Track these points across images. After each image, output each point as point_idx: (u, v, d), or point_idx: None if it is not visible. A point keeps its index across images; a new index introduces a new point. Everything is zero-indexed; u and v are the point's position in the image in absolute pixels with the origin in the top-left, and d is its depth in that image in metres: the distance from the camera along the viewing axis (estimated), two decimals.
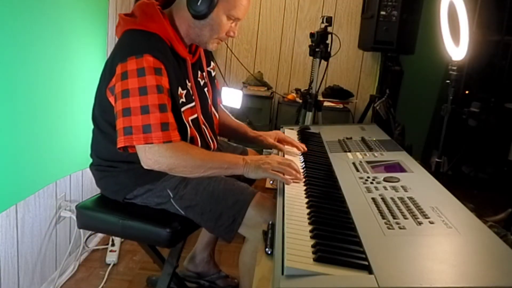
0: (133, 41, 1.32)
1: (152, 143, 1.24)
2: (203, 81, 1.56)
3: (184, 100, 1.40)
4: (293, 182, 1.28)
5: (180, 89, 1.38)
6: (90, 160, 1.53)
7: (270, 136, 1.70)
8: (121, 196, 1.47)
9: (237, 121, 1.82)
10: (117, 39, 1.41)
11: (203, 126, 1.50)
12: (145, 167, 1.30)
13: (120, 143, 1.26)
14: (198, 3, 1.30)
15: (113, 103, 1.32)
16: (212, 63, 1.66)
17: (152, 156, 1.27)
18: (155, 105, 1.25)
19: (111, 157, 1.43)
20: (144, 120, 1.24)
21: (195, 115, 1.46)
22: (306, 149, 1.63)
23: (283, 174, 1.29)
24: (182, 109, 1.38)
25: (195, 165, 1.31)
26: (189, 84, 1.45)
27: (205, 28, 1.37)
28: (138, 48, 1.28)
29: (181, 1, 1.37)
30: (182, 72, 1.42)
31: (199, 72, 1.54)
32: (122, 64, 1.27)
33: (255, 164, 1.32)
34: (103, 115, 1.41)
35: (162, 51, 1.31)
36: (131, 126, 1.24)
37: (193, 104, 1.45)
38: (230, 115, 1.81)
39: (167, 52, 1.34)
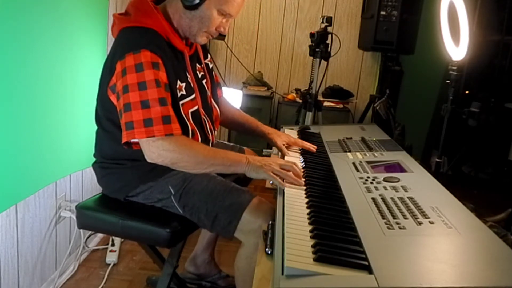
0: (129, 38, 1.34)
1: (154, 136, 1.26)
2: (201, 73, 1.57)
3: (184, 92, 1.41)
4: (291, 187, 1.25)
5: (179, 82, 1.39)
6: (90, 160, 1.53)
7: (280, 137, 1.67)
8: (123, 194, 1.47)
9: (247, 115, 1.80)
10: (113, 39, 1.42)
11: (204, 118, 1.51)
12: (149, 160, 1.31)
13: (124, 138, 1.29)
14: None
15: (115, 101, 1.35)
16: (208, 55, 1.67)
17: (156, 149, 1.29)
18: (155, 99, 1.27)
19: (115, 156, 1.44)
20: (145, 114, 1.26)
21: (196, 107, 1.47)
22: (315, 148, 1.63)
23: (283, 179, 1.27)
24: (182, 101, 1.40)
25: (198, 161, 1.33)
26: (188, 76, 1.46)
27: (195, 20, 1.38)
28: (135, 44, 1.30)
29: None
30: (181, 65, 1.43)
31: (197, 65, 1.56)
32: (121, 61, 1.29)
33: (258, 164, 1.33)
34: (106, 114, 1.42)
35: (159, 45, 1.32)
36: (132, 120, 1.26)
37: (193, 96, 1.46)
38: (238, 108, 1.81)
39: (164, 46, 1.35)
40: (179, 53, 1.43)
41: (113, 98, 1.35)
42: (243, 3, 1.40)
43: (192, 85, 1.46)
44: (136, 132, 1.26)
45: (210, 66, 1.67)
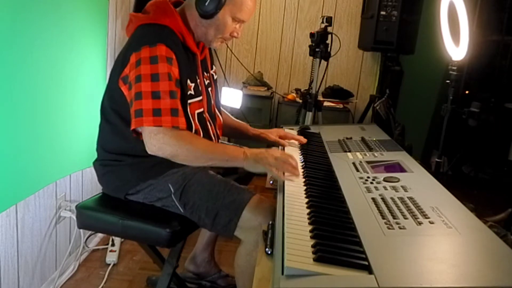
0: (146, 33, 1.38)
1: (161, 125, 1.28)
2: (208, 81, 1.60)
3: (192, 92, 1.44)
4: (289, 178, 1.30)
5: (189, 81, 1.43)
6: (90, 160, 1.54)
7: (271, 133, 1.75)
8: (123, 192, 1.48)
9: (238, 120, 1.85)
10: (125, 38, 1.44)
11: (208, 122, 1.53)
12: (149, 152, 1.33)
13: (132, 125, 1.31)
14: (206, 3, 1.37)
15: (125, 92, 1.38)
16: (214, 67, 1.70)
17: (157, 142, 1.31)
18: (166, 92, 1.30)
19: (117, 150, 1.46)
20: (155, 104, 1.29)
21: (201, 109, 1.50)
22: (305, 140, 1.72)
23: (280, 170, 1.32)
24: (190, 101, 1.43)
25: (197, 155, 1.36)
26: (198, 79, 1.49)
27: (211, 27, 1.44)
28: (151, 38, 1.34)
29: (191, 0, 1.44)
30: (192, 66, 1.47)
31: (205, 73, 1.59)
32: (136, 53, 1.33)
33: (254, 158, 1.36)
34: (113, 106, 1.44)
35: (174, 42, 1.37)
36: (142, 109, 1.29)
37: (200, 98, 1.49)
38: (230, 115, 1.84)
39: (179, 44, 1.40)
40: (191, 55, 1.47)
41: (124, 89, 1.38)
42: (255, 9, 1.48)
43: (200, 87, 1.49)
44: (144, 120, 1.29)
45: (215, 77, 1.70)
